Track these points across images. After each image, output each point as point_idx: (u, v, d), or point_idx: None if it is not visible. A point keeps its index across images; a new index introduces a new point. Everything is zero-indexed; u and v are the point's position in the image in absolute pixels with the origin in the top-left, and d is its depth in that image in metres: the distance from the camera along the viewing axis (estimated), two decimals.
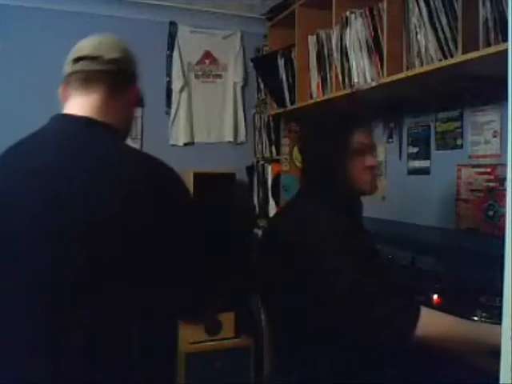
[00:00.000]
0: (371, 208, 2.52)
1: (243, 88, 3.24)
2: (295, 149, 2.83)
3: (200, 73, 3.16)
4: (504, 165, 1.74)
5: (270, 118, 3.05)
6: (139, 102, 1.15)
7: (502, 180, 1.79)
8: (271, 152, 3.07)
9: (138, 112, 2.97)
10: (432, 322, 1.20)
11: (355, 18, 2.10)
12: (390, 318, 1.18)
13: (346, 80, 2.19)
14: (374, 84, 1.98)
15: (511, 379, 0.62)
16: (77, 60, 1.03)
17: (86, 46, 1.06)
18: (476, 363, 1.23)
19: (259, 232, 3.00)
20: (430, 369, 1.41)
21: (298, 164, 2.61)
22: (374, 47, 2.01)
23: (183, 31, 3.10)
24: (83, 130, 1.00)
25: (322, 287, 1.24)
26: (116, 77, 1.06)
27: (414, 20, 1.81)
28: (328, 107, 1.44)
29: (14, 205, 0.92)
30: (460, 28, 1.58)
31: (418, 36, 1.79)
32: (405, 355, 1.32)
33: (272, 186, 3.00)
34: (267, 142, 3.12)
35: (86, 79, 1.03)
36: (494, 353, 0.79)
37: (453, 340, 1.19)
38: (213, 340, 2.73)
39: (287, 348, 1.41)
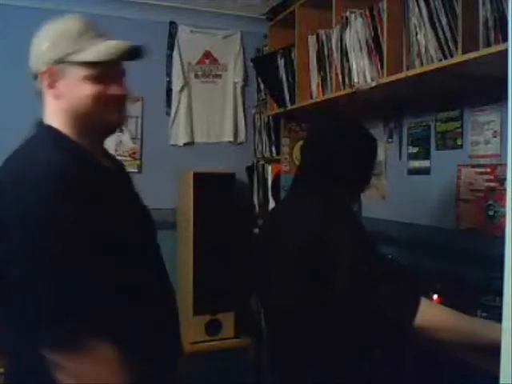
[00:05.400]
0: (371, 208, 2.54)
1: (243, 88, 3.24)
2: (295, 148, 2.83)
3: (200, 73, 3.16)
4: (504, 165, 1.74)
5: (270, 118, 3.05)
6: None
7: (502, 180, 1.79)
8: (271, 152, 3.07)
9: (137, 111, 2.97)
10: (431, 313, 1.20)
11: (355, 18, 2.10)
12: (390, 306, 1.19)
13: (346, 80, 2.19)
14: (373, 84, 1.98)
15: (511, 379, 0.62)
16: None
17: None
18: (472, 358, 1.24)
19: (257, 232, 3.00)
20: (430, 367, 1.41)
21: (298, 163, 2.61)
22: (374, 47, 2.01)
23: (183, 31, 3.10)
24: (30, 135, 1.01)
25: (326, 279, 1.25)
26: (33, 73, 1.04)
27: (413, 20, 1.81)
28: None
29: None
30: (460, 28, 1.58)
31: (418, 36, 1.79)
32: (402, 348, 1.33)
33: (272, 186, 3.00)
34: (267, 142, 3.12)
35: None
36: (492, 348, 0.79)
37: (450, 332, 1.20)
38: (213, 340, 2.73)
39: (286, 348, 1.41)
